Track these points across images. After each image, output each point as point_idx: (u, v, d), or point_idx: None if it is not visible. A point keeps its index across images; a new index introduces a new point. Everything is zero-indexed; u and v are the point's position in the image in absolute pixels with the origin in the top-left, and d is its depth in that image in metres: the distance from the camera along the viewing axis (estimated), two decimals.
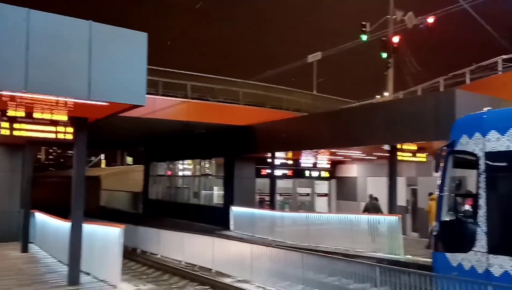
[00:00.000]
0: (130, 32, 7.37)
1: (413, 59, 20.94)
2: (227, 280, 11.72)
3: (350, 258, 10.34)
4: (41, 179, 42.84)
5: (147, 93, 17.54)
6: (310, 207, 23.82)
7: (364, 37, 20.37)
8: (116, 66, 6.99)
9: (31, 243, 13.79)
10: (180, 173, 26.43)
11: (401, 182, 17.47)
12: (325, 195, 24.93)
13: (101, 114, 8.59)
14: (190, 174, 25.49)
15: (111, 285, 8.42)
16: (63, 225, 10.41)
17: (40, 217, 13.90)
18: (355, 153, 19.42)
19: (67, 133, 8.59)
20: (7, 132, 7.98)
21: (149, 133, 22.78)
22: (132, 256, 16.07)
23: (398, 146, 14.68)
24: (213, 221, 20.56)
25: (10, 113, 8.01)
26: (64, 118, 8.50)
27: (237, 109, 19.57)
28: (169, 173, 27.11)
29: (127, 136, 24.78)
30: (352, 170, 23.65)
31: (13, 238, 13.97)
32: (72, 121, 8.58)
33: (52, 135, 8.47)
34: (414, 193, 18.99)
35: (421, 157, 15.68)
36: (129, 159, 51.79)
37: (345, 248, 13.95)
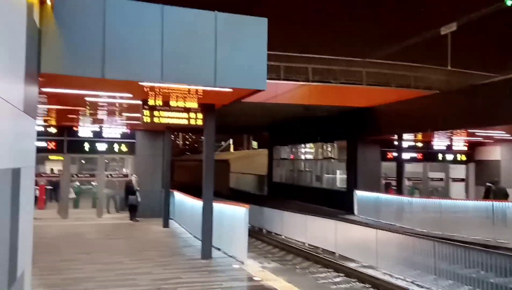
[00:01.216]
0: (251, 19, 7.62)
1: None
2: (351, 265, 11.63)
3: (491, 249, 9.46)
4: (179, 162, 47.27)
5: (269, 78, 18.13)
6: (443, 193, 22.23)
7: (509, 2, 18.14)
8: (239, 53, 7.31)
9: (171, 219, 15.32)
10: (303, 157, 26.74)
11: None
12: (462, 180, 23.01)
13: (226, 100, 9.12)
14: (312, 158, 25.63)
15: (239, 261, 8.98)
16: (197, 204, 11.34)
17: (178, 196, 15.31)
18: (498, 133, 17.49)
19: (197, 119, 9.34)
20: (148, 120, 8.94)
21: (272, 118, 23.43)
22: (258, 235, 16.87)
23: None
24: (336, 205, 20.45)
25: (151, 102, 8.97)
26: (195, 105, 9.24)
27: (360, 90, 18.96)
28: (291, 156, 27.64)
29: (252, 121, 25.84)
30: (494, 153, 21.35)
31: (156, 215, 15.57)
32: (202, 108, 9.29)
33: (185, 121, 9.27)
34: None
35: None
36: (254, 144, 54.03)
37: (485, 238, 12.80)
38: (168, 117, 9.18)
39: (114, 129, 16.32)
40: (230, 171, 36.95)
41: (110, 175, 17.37)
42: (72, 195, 16.95)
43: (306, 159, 26.39)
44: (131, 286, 6.96)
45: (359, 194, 19.16)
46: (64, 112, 12.34)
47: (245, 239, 8.89)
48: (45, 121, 14.90)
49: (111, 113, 11.95)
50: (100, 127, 15.99)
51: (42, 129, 15.86)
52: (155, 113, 9.05)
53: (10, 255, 4.69)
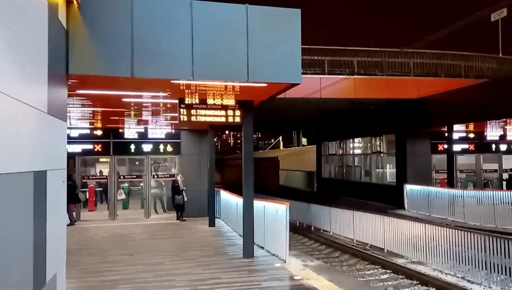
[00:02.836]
0: (283, 11, 7.32)
1: None
2: (399, 261, 11.10)
3: None
4: (230, 161, 47.76)
5: (314, 73, 17.87)
6: (497, 185, 20.84)
7: None
8: (272, 46, 7.02)
9: (218, 218, 15.31)
10: (351, 152, 26.04)
11: None
12: None
13: (264, 96, 8.86)
14: (361, 152, 24.89)
15: (281, 259, 8.72)
16: (242, 202, 11.11)
17: (224, 195, 15.29)
18: None
19: (235, 116, 9.16)
20: (185, 118, 8.88)
21: (318, 113, 22.97)
22: (306, 232, 16.54)
23: None
24: (386, 199, 19.72)
25: (187, 100, 8.90)
26: (232, 102, 9.08)
27: (407, 82, 18.12)
28: (340, 152, 27.00)
29: (300, 117, 25.49)
30: None
31: (203, 214, 15.58)
32: (239, 104, 9.10)
33: (223, 119, 9.12)
34: None
35: None
36: (303, 140, 53.50)
37: None
38: (206, 115, 9.08)
39: (158, 130, 16.57)
40: (280, 168, 36.73)
41: (157, 175, 17.64)
42: (122, 196, 17.35)
43: (354, 154, 25.66)
44: (168, 288, 6.88)
45: (409, 188, 18.35)
46: (107, 114, 12.60)
47: (286, 237, 8.61)
48: (91, 124, 15.34)
49: (152, 113, 12.05)
50: (145, 128, 16.29)
51: (88, 132, 16.39)
52: (192, 111, 8.97)
53: (36, 258, 4.68)
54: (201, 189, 16.74)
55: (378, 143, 22.92)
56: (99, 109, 11.71)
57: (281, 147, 55.47)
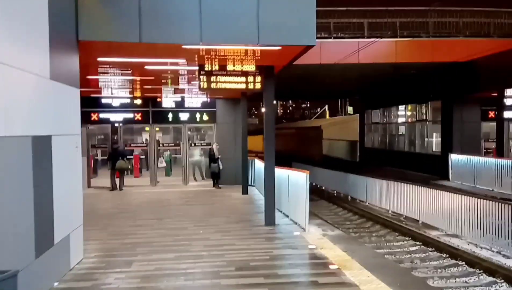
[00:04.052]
0: None
1: None
2: (433, 233, 10.67)
3: None
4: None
5: (352, 36, 17.08)
6: None
7: None
8: (283, 6, 6.72)
9: (253, 186, 15.38)
10: (395, 120, 25.06)
11: None
12: None
13: (283, 60, 8.57)
14: (405, 121, 23.88)
15: (302, 228, 8.63)
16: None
17: (258, 164, 15.27)
18: None
19: (256, 83, 8.97)
20: (206, 85, 8.81)
21: (359, 80, 22.13)
22: (341, 202, 16.29)
23: None
24: (430, 170, 18.91)
25: (207, 67, 8.79)
26: (252, 68, 8.87)
27: (455, 43, 16.88)
28: (383, 120, 26.08)
29: (340, 85, 24.73)
30: None
31: (239, 182, 15.61)
32: (260, 70, 8.88)
33: (243, 86, 8.97)
34: None
35: None
36: (350, 109, 52.22)
37: None
38: (225, 82, 8.95)
39: (195, 99, 16.71)
40: (323, 138, 36.19)
41: (194, 144, 17.90)
42: (163, 164, 17.81)
43: (398, 123, 24.69)
44: (181, 252, 7.00)
45: (454, 158, 17.43)
46: (140, 83, 12.79)
47: (306, 205, 8.47)
48: (130, 93, 15.69)
49: (179, 81, 12.07)
50: (182, 98, 16.46)
51: (128, 101, 16.80)
52: (212, 78, 8.86)
53: (38, 220, 4.87)
54: (237, 157, 16.77)
55: (423, 110, 21.85)
56: (130, 78, 11.89)
57: (327, 117, 54.51)
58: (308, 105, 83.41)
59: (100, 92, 14.78)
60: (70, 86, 6.06)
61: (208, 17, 6.52)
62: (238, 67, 8.88)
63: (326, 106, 57.58)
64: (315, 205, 15.28)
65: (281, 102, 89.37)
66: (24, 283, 4.33)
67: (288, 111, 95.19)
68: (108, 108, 16.70)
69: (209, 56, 8.29)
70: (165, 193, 14.69)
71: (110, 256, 6.86)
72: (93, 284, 5.53)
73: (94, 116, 16.67)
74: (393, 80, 21.12)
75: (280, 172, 10.17)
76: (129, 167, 16.45)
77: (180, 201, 13.02)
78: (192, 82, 12.25)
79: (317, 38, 17.53)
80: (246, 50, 7.86)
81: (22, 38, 4.56)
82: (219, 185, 15.90)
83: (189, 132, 17.64)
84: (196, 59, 8.41)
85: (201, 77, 8.83)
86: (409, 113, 23.43)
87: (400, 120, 24.44)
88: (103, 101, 16.49)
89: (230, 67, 8.87)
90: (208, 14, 6.53)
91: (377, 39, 16.59)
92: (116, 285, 5.52)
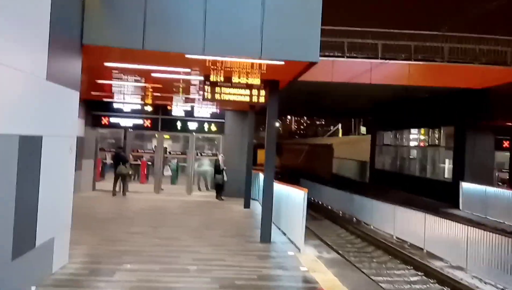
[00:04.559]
0: None
1: None
2: (436, 264, 10.33)
3: None
4: (287, 146, 47.53)
5: (365, 57, 16.95)
6: None
7: None
8: (288, 21, 6.62)
9: (256, 200, 15.18)
10: (406, 143, 24.68)
11: None
12: None
13: (287, 75, 8.45)
14: (417, 144, 23.49)
15: (297, 247, 8.40)
16: (277, 188, 10.64)
17: (262, 178, 15.05)
18: None
19: (260, 96, 8.88)
20: (210, 96, 8.74)
21: (371, 100, 21.96)
22: (345, 223, 15.99)
23: None
24: (440, 197, 18.45)
25: (212, 78, 8.74)
26: (257, 81, 8.79)
27: (470, 69, 16.62)
28: (395, 142, 25.71)
29: (353, 103, 24.58)
30: None
31: (242, 195, 15.47)
32: (265, 84, 8.79)
33: (247, 98, 8.88)
34: None
35: None
36: (363, 129, 51.78)
37: None
38: (230, 93, 8.88)
39: (204, 109, 16.68)
40: (334, 156, 35.85)
41: (200, 153, 17.82)
42: (169, 172, 17.73)
43: (410, 146, 24.30)
44: (168, 264, 6.84)
45: (465, 186, 17.03)
46: (149, 90, 12.78)
47: (302, 224, 8.25)
48: (141, 99, 15.72)
49: (184, 91, 12.02)
50: (191, 107, 16.44)
51: (139, 107, 16.83)
52: (217, 89, 8.81)
53: (18, 221, 4.76)
54: (242, 170, 16.63)
55: (436, 135, 21.47)
56: (139, 84, 11.88)
57: (340, 135, 54.15)
58: (323, 122, 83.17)
59: (111, 97, 14.85)
60: (68, 88, 6.01)
61: (212, 28, 6.46)
62: (243, 80, 8.83)
63: (339, 125, 57.29)
64: (317, 225, 15.05)
65: (295, 118, 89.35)
66: None
67: (302, 127, 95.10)
68: (119, 112, 16.75)
69: (215, 67, 8.22)
70: (167, 202, 14.59)
71: (95, 263, 6.72)
72: None
73: (104, 120, 16.72)
74: (405, 102, 20.87)
75: (281, 188, 10.00)
76: (130, 172, 16.26)
77: (179, 211, 12.89)
78: (200, 92, 12.21)
79: (330, 56, 17.49)
80: (252, 64, 7.77)
81: (16, 38, 4.53)
82: (222, 197, 15.73)
83: (196, 142, 17.58)
84: (201, 69, 8.35)
85: (206, 87, 8.77)
86: (421, 137, 23.06)
87: (412, 143, 24.07)
88: (115, 106, 16.55)
89: (235, 79, 8.82)
90: (212, 25, 6.47)
91: (391, 61, 16.43)
92: None
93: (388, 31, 17.52)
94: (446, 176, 20.17)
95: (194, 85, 10.81)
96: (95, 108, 16.16)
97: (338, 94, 19.72)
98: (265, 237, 8.94)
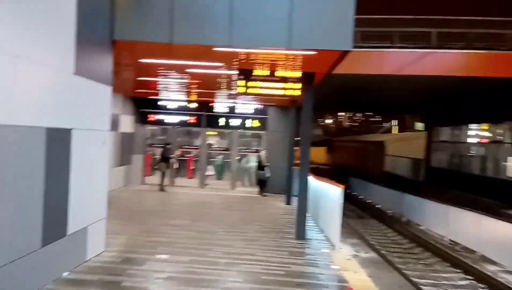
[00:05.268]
0: None
1: None
2: (489, 268, 9.63)
3: None
4: (338, 143, 46.58)
5: (416, 47, 16.07)
6: None
7: None
8: (318, 9, 6.37)
9: (297, 196, 14.93)
10: (465, 140, 23.23)
11: None
12: None
13: (323, 67, 8.15)
14: (476, 141, 22.05)
15: (332, 245, 8.13)
16: (319, 185, 10.42)
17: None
18: None
19: (295, 90, 8.66)
20: (243, 90, 8.63)
21: (425, 93, 20.81)
22: (394, 223, 15.33)
23: None
24: (503, 197, 17.11)
25: (245, 72, 8.60)
26: (292, 74, 8.58)
27: None
28: (452, 139, 24.31)
29: (404, 98, 23.46)
30: None
31: (284, 191, 15.35)
32: (300, 77, 8.56)
33: (281, 92, 8.69)
34: None
35: None
36: (419, 125, 49.53)
37: None
38: (263, 87, 8.73)
39: (247, 105, 16.67)
40: (386, 154, 34.53)
41: (243, 149, 17.80)
42: (209, 172, 17.80)
43: (469, 142, 22.86)
44: (198, 256, 6.85)
45: None
46: (190, 86, 12.90)
47: (338, 221, 7.96)
48: (184, 96, 15.96)
49: (229, 85, 11.99)
50: (234, 103, 16.48)
51: (185, 104, 17.11)
52: (249, 83, 8.69)
53: (48, 210, 4.92)
54: (285, 166, 16.43)
55: (499, 131, 20.01)
56: (177, 80, 12.00)
57: (394, 132, 52.16)
58: (378, 118, 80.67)
59: (155, 94, 15.21)
60: (99, 83, 6.16)
61: (238, 20, 6.38)
62: (277, 73, 8.65)
63: (393, 121, 55.23)
64: (363, 224, 14.55)
65: (348, 114, 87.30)
66: (28, 268, 4.51)
67: (356, 124, 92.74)
68: (164, 110, 17.11)
69: (246, 60, 8.09)
70: (210, 196, 14.74)
71: (129, 252, 6.88)
72: (99, 278, 5.53)
73: (151, 117, 17.16)
74: (463, 96, 19.59)
75: (319, 185, 9.73)
76: (167, 169, 16.35)
77: (221, 205, 12.96)
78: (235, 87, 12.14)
79: (378, 47, 16.67)
80: (285, 55, 7.58)
81: (41, 35, 4.69)
82: (265, 193, 15.67)
83: (241, 138, 17.60)
84: (231, 63, 8.26)
85: (239, 81, 8.68)
86: (482, 133, 21.61)
87: (472, 140, 22.63)
88: (160, 103, 16.93)
89: (268, 72, 8.65)
90: (238, 16, 6.38)
91: (447, 50, 15.49)
92: (120, 283, 5.47)
93: (443, 18, 16.52)
94: (510, 175, 18.70)
95: (231, 80, 10.77)
96: (143, 105, 16.66)
97: (388, 88, 18.91)
98: (300, 233, 8.74)
